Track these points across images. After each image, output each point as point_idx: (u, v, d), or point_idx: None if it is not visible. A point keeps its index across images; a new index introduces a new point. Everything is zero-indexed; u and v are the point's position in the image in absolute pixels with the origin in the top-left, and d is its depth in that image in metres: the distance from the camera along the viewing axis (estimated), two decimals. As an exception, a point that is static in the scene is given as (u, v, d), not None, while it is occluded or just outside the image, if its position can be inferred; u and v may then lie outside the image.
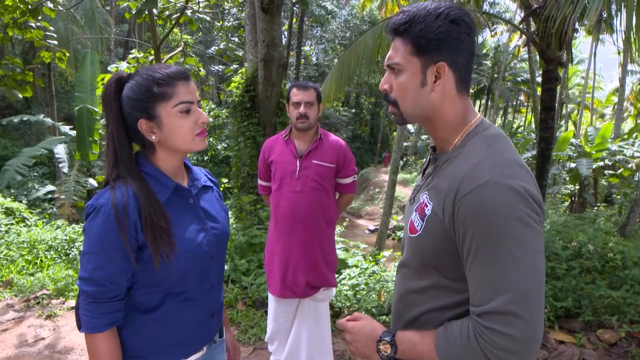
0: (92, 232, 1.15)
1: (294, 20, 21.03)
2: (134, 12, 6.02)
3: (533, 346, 0.88)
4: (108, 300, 1.17)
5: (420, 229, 1.04)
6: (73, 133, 9.46)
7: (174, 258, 1.19)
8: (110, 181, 1.21)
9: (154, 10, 6.04)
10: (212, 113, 14.29)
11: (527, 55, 19.82)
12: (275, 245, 2.50)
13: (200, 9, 7.50)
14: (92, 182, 9.00)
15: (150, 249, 1.16)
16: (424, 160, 1.32)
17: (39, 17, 5.71)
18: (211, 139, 14.76)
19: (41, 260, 4.99)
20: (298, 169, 2.40)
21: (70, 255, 5.23)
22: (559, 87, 16.29)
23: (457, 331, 0.95)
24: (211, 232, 1.32)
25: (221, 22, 16.93)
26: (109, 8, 17.79)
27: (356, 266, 4.62)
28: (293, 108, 2.40)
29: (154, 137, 1.21)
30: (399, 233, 14.79)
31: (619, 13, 3.93)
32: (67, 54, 6.66)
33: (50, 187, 10.75)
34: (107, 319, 1.18)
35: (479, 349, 0.89)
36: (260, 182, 2.70)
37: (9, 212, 6.95)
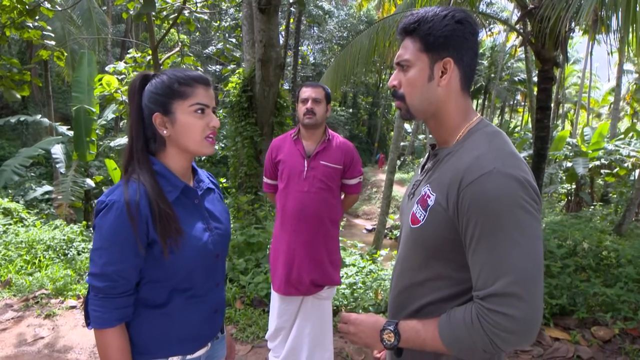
0: (104, 228, 1.18)
1: (291, 20, 21.07)
2: (131, 12, 6.04)
3: (533, 326, 0.92)
4: (118, 295, 1.19)
5: (423, 219, 1.08)
6: (70, 133, 9.46)
7: (182, 254, 1.23)
8: (125, 173, 1.26)
9: (152, 11, 6.05)
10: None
11: (523, 55, 19.89)
12: (280, 243, 2.52)
13: (198, 9, 7.52)
14: (90, 182, 9.00)
15: (159, 238, 1.19)
16: (422, 159, 1.36)
17: (37, 17, 5.72)
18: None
19: (39, 260, 4.99)
20: (306, 169, 2.43)
21: (69, 255, 5.24)
22: (555, 87, 16.34)
23: (460, 316, 0.99)
24: (215, 232, 1.36)
25: (218, 22, 16.93)
26: (105, 8, 17.77)
27: (353, 265, 4.65)
28: (301, 104, 2.44)
29: (165, 132, 1.26)
30: (396, 232, 14.82)
31: (614, 13, 3.97)
32: (65, 53, 6.67)
33: (47, 188, 10.74)
34: (118, 314, 1.20)
35: (482, 330, 0.94)
36: (265, 179, 2.72)
37: (6, 212, 6.95)
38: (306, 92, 2.44)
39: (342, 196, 2.68)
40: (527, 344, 0.96)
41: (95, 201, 1.26)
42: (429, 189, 1.09)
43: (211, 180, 1.50)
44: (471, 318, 0.96)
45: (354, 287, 4.10)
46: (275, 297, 2.59)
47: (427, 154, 1.26)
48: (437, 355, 1.11)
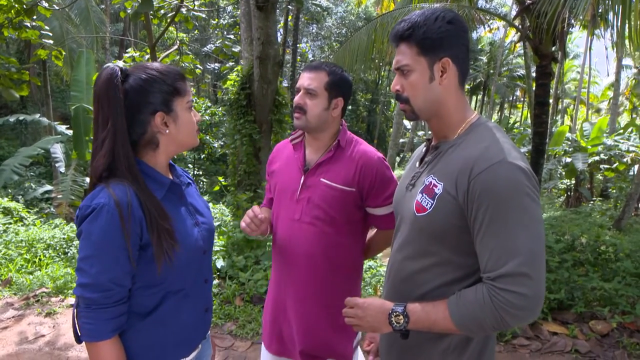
0: (95, 234, 1.09)
1: (290, 17, 21.03)
2: (129, 11, 6.04)
3: (540, 302, 1.01)
4: (113, 305, 1.12)
5: (430, 207, 1.13)
6: (69, 132, 9.45)
7: (175, 253, 1.19)
8: (101, 180, 1.16)
9: (149, 9, 6.04)
10: (208, 111, 14.27)
11: (522, 51, 19.87)
12: (271, 283, 1.89)
13: (196, 7, 7.51)
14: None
15: (155, 249, 1.14)
16: (415, 153, 1.41)
17: (34, 17, 5.72)
18: (208, 137, 14.77)
19: (40, 259, 5.01)
20: (300, 187, 1.69)
21: (69, 254, 5.26)
22: (554, 83, 16.33)
23: (471, 296, 1.05)
24: (202, 227, 1.34)
25: (216, 20, 16.91)
26: (103, 7, 17.73)
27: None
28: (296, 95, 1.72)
29: (167, 131, 1.22)
30: (396, 229, 14.82)
31: (611, 8, 3.97)
32: (64, 52, 6.66)
33: (47, 187, 10.74)
34: (113, 324, 1.13)
35: (493, 308, 1.00)
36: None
37: (6, 211, 6.97)
38: (302, 78, 1.70)
39: (374, 232, 1.85)
40: (533, 319, 1.04)
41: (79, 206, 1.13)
42: (434, 179, 1.14)
43: (186, 175, 1.45)
44: (483, 297, 1.02)
45: (353, 284, 4.11)
46: (265, 356, 1.89)
47: (425, 147, 1.31)
48: (435, 341, 1.18)
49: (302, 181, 1.69)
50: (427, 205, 1.14)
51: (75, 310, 1.15)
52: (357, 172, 1.65)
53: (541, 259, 1.01)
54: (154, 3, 6.26)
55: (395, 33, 1.18)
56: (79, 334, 1.14)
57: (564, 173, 12.99)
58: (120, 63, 7.85)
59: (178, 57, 8.50)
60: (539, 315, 1.04)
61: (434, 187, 1.13)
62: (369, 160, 1.68)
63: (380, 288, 4.00)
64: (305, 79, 1.67)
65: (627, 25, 3.90)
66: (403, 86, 1.19)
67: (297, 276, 1.71)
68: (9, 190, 11.02)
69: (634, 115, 25.17)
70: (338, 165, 1.68)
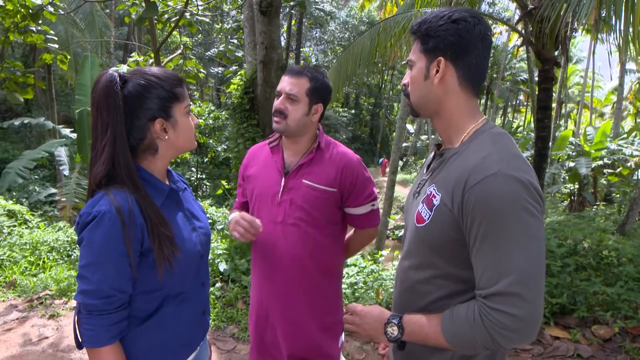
0: (97, 241, 1.09)
1: (293, 22, 21.12)
2: (133, 16, 6.09)
3: (534, 325, 0.95)
4: (115, 311, 1.13)
5: (428, 218, 1.10)
6: (73, 136, 9.53)
7: (175, 259, 1.20)
8: (100, 187, 1.15)
9: (154, 14, 6.08)
10: (211, 115, 14.33)
11: (525, 55, 19.88)
12: (253, 291, 1.88)
13: (200, 12, 7.55)
14: (93, 184, 9.04)
15: (156, 256, 1.15)
16: (425, 159, 1.40)
17: (40, 21, 5.77)
18: (211, 141, 14.82)
19: (43, 262, 5.03)
20: (281, 190, 1.72)
21: (72, 257, 5.28)
22: (557, 87, 16.33)
23: (463, 313, 1.02)
24: (200, 232, 1.35)
25: (220, 24, 16.99)
26: (108, 11, 17.85)
27: (354, 265, 4.67)
28: (276, 99, 1.76)
29: (166, 137, 1.22)
30: (397, 232, 14.83)
31: (614, 13, 3.98)
32: (68, 57, 6.71)
33: (51, 190, 10.81)
34: (114, 330, 1.13)
35: (483, 328, 0.97)
36: (237, 199, 2.03)
37: (11, 214, 7.00)
38: (282, 81, 1.73)
39: (352, 231, 1.95)
40: (527, 342, 0.99)
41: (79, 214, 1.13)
42: (434, 189, 1.11)
43: (181, 180, 1.46)
44: (473, 315, 0.99)
45: (355, 287, 4.12)
46: None
47: (433, 153, 1.28)
48: (439, 350, 1.13)
49: (283, 183, 1.72)
50: (425, 216, 1.11)
51: (76, 317, 1.16)
52: (339, 173, 1.71)
53: (537, 280, 0.95)
54: (158, 8, 6.30)
55: (409, 28, 1.19)
56: (80, 340, 1.15)
57: (567, 177, 12.95)
58: (124, 67, 7.93)
59: (182, 61, 8.55)
60: (534, 339, 1.00)
61: (433, 198, 1.10)
62: (349, 161, 1.74)
63: (382, 292, 4.00)
64: (287, 84, 1.69)
65: (630, 29, 3.92)
66: (409, 81, 1.19)
67: (282, 279, 1.73)
68: (14, 193, 11.08)
69: (638, 120, 25.12)
70: (319, 167, 1.73)
